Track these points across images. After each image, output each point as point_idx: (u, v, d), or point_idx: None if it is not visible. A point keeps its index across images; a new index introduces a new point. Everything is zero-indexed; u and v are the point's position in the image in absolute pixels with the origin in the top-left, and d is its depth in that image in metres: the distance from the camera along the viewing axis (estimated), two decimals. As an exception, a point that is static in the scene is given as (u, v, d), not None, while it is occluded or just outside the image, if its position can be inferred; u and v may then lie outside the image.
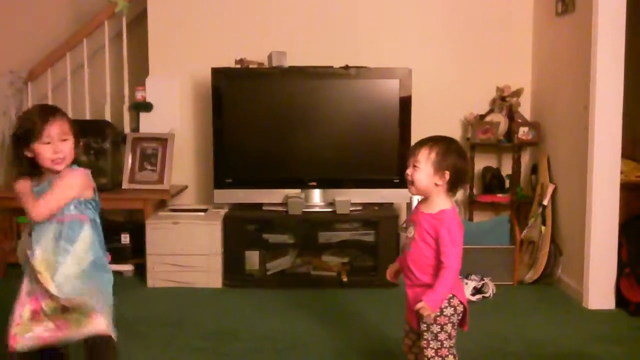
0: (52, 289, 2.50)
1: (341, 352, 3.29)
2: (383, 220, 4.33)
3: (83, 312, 2.50)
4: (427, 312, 2.43)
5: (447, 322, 2.50)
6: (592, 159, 3.87)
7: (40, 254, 2.57)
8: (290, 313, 3.85)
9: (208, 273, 4.33)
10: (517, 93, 4.71)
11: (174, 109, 4.87)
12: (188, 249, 4.28)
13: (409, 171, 2.51)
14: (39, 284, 2.55)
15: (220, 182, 4.46)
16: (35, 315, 2.56)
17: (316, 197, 4.50)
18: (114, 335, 2.56)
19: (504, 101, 4.72)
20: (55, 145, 2.52)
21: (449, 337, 2.51)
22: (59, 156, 2.53)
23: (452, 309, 2.49)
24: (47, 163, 2.54)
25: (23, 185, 2.62)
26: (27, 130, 2.53)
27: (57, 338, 2.52)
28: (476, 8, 4.81)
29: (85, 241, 2.58)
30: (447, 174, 2.47)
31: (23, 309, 2.59)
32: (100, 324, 2.51)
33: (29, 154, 2.55)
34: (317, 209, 4.46)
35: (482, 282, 4.09)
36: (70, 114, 4.85)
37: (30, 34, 5.27)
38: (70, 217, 2.59)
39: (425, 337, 2.50)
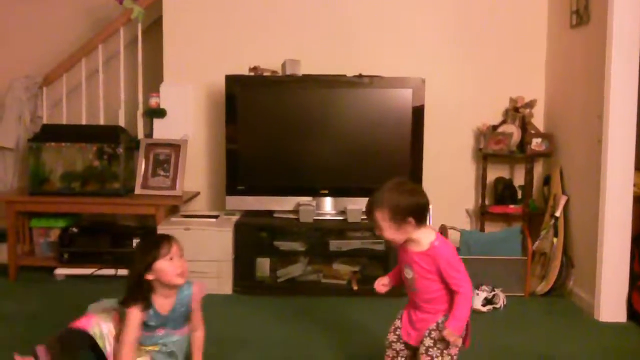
0: None
1: (352, 357, 3.28)
2: (394, 230, 4.32)
3: None
4: (454, 337, 2.46)
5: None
6: (605, 171, 3.86)
7: None
8: (300, 321, 3.85)
9: (219, 279, 4.34)
10: (531, 104, 4.70)
11: (187, 115, 4.89)
12: (199, 255, 4.29)
13: (377, 232, 2.56)
14: None
15: (232, 188, 4.47)
16: None
17: (327, 205, 4.50)
18: None
19: (517, 112, 4.71)
20: (178, 261, 2.80)
21: (453, 355, 2.54)
22: (182, 271, 2.81)
23: None
24: (173, 279, 2.78)
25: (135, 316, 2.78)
26: (151, 252, 2.77)
27: None
28: (490, 19, 4.81)
29: None
30: (411, 219, 2.49)
31: None
32: None
33: (149, 275, 2.77)
34: (328, 217, 4.46)
35: (493, 292, 4.08)
36: (84, 119, 4.94)
37: (46, 40, 5.31)
38: None
39: (430, 353, 2.51)
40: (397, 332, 2.65)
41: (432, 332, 2.53)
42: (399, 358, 2.65)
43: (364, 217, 4.38)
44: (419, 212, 2.51)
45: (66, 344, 2.83)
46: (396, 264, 2.73)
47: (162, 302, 2.83)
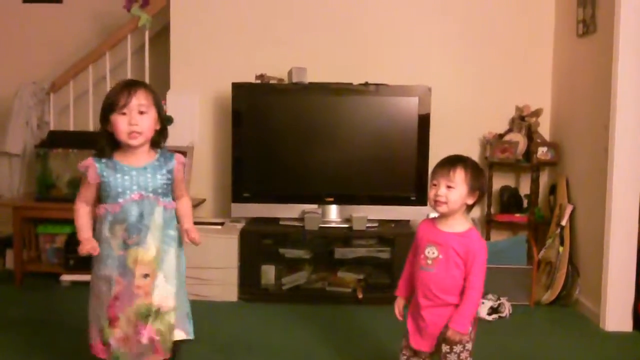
0: None
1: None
2: (399, 237, 4.32)
3: None
4: (459, 337, 2.45)
5: (469, 339, 2.51)
6: (612, 180, 3.85)
7: None
8: (304, 328, 3.85)
9: (224, 286, 4.34)
10: (537, 113, 4.70)
11: (193, 123, 4.91)
12: (204, 262, 4.29)
13: (441, 192, 2.48)
14: None
15: (237, 196, 4.48)
16: None
17: (333, 213, 4.50)
18: None
19: (523, 121, 4.71)
20: (131, 117, 2.49)
21: (470, 354, 2.52)
22: (135, 129, 2.50)
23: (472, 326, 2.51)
24: (123, 137, 2.50)
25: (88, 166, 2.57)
26: (107, 100, 2.52)
27: None
28: (497, 28, 4.81)
29: None
30: (477, 194, 2.50)
31: None
32: None
33: (109, 129, 2.53)
34: (333, 225, 4.46)
35: (499, 301, 4.07)
36: (91, 126, 4.95)
37: (54, 46, 5.34)
38: None
39: (448, 358, 2.50)
40: (406, 335, 2.62)
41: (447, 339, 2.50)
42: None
43: (369, 225, 4.38)
44: (483, 194, 2.56)
45: None
46: (401, 271, 2.70)
47: (132, 160, 2.58)
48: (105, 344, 2.58)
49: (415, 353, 2.59)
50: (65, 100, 5.10)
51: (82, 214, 2.65)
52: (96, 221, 2.64)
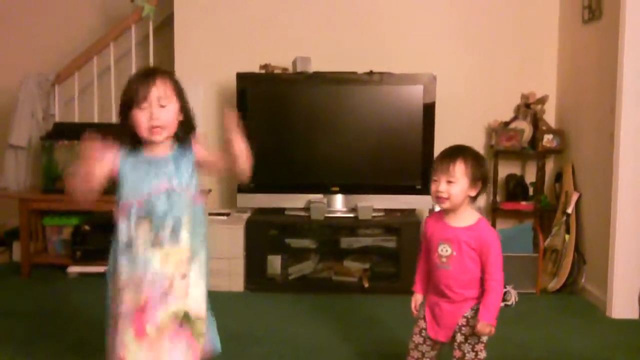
0: None
1: (362, 357, 3.29)
2: (405, 227, 4.32)
3: None
4: (489, 329, 2.44)
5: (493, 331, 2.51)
6: (617, 167, 3.84)
7: None
8: (311, 318, 3.86)
9: (230, 277, 4.35)
10: (542, 100, 4.68)
11: (198, 113, 4.88)
12: (210, 253, 4.25)
13: (442, 187, 2.46)
14: None
15: (243, 186, 4.48)
16: None
17: (338, 203, 4.50)
18: None
19: (529, 108, 4.70)
20: (152, 112, 2.26)
21: (484, 347, 2.52)
22: (156, 124, 2.27)
23: None
24: (145, 133, 2.27)
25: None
26: (125, 94, 2.29)
27: None
28: (502, 15, 4.79)
29: None
30: (480, 185, 2.48)
31: None
32: None
33: (130, 124, 2.28)
34: (339, 215, 4.46)
35: (505, 289, 4.07)
36: (96, 117, 4.96)
37: (58, 37, 5.34)
38: None
39: (462, 348, 2.49)
40: (422, 334, 2.59)
41: (463, 328, 2.49)
42: (416, 352, 2.61)
43: (375, 214, 4.38)
44: (486, 184, 2.52)
45: None
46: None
47: (154, 152, 2.34)
48: None
49: (425, 340, 2.59)
50: (70, 92, 5.10)
51: None
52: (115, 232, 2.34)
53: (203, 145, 2.48)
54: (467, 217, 2.51)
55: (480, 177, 2.48)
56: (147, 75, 2.30)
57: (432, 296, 2.58)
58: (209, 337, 2.42)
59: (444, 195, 2.46)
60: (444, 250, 2.50)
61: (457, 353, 2.50)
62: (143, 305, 2.23)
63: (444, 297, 2.53)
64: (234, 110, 2.53)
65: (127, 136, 2.30)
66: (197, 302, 2.33)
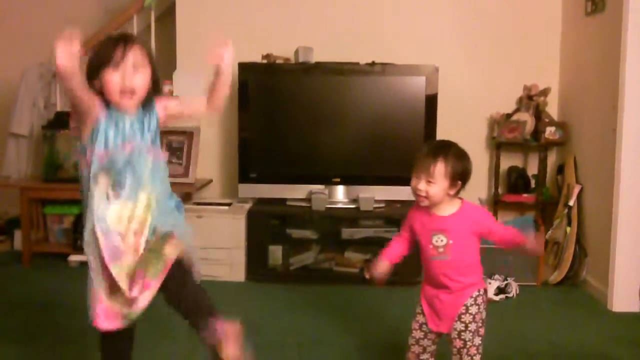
0: None
1: (362, 347, 3.29)
2: (406, 218, 4.31)
3: None
4: (534, 242, 2.50)
5: (483, 317, 2.51)
6: (620, 159, 3.84)
7: None
8: (312, 308, 3.86)
9: (231, 267, 4.35)
10: (545, 92, 4.67)
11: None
12: (212, 243, 4.30)
13: (421, 186, 2.45)
14: None
15: (244, 176, 4.48)
16: None
17: (340, 194, 4.50)
18: None
19: (531, 100, 4.68)
20: (125, 73, 2.20)
21: (481, 341, 2.52)
22: (129, 86, 2.20)
23: (485, 303, 2.52)
24: (114, 96, 2.20)
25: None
26: (98, 54, 2.23)
27: None
28: (505, 6, 4.78)
29: None
30: (460, 184, 2.47)
31: None
32: None
33: (97, 86, 2.22)
34: (340, 205, 4.46)
35: (506, 282, 4.07)
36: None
37: (60, 27, 5.31)
38: None
39: (463, 337, 2.48)
40: (423, 329, 2.57)
41: (463, 316, 2.48)
42: (426, 354, 2.59)
43: (376, 205, 4.38)
44: (467, 180, 2.51)
45: None
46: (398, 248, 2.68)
47: (122, 111, 2.26)
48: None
49: (427, 335, 2.57)
50: (71, 81, 5.08)
51: None
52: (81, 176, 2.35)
53: (167, 99, 2.47)
54: (451, 206, 2.50)
55: (461, 177, 2.46)
56: (123, 39, 2.26)
57: (430, 289, 2.56)
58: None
59: (423, 194, 2.46)
60: (439, 240, 2.48)
61: (458, 342, 2.48)
62: (103, 261, 2.25)
63: (442, 288, 2.51)
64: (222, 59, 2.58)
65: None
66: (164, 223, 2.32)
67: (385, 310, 3.81)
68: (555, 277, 4.34)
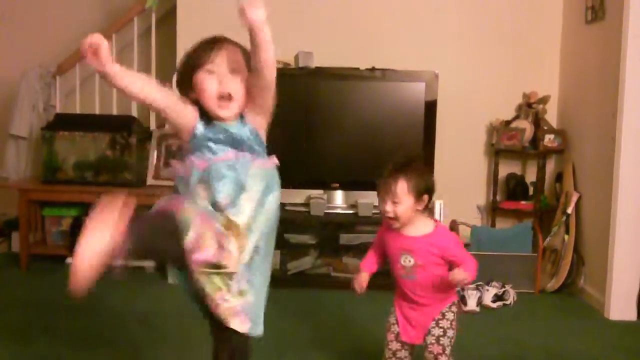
0: None
1: (360, 352, 3.29)
2: (405, 224, 4.32)
3: None
4: (464, 275, 2.38)
5: (455, 326, 2.52)
6: (618, 168, 3.84)
7: None
8: (309, 313, 3.86)
9: (229, 271, 4.34)
10: (544, 100, 4.68)
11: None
12: (210, 247, 4.28)
13: (388, 207, 2.44)
14: None
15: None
16: None
17: (338, 199, 4.50)
18: None
19: (531, 108, 4.69)
20: (221, 76, 2.03)
21: (451, 342, 2.53)
22: (225, 92, 2.03)
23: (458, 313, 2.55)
24: (210, 103, 2.03)
25: None
26: (190, 59, 2.08)
27: None
28: (505, 14, 4.78)
29: None
30: (426, 197, 2.45)
31: None
32: None
33: (192, 95, 2.07)
34: (339, 211, 4.46)
35: (503, 289, 4.07)
36: (97, 109, 4.95)
37: (60, 29, 5.32)
38: None
39: (441, 342, 2.48)
40: (399, 339, 2.58)
41: (440, 322, 2.49)
42: (395, 359, 2.60)
43: (375, 211, 4.38)
44: (432, 192, 2.48)
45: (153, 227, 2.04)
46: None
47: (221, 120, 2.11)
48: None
49: (403, 346, 2.57)
50: (71, 83, 5.09)
51: None
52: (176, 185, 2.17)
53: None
54: (423, 226, 2.49)
55: (425, 191, 2.44)
56: (217, 41, 2.11)
57: (402, 301, 2.58)
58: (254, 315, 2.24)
59: (391, 215, 2.44)
60: (407, 260, 2.49)
61: (436, 348, 2.48)
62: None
63: (414, 303, 2.53)
64: None
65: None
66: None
67: (383, 316, 3.79)
68: (553, 284, 4.34)
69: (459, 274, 2.37)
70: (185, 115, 2.08)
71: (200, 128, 2.06)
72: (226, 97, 2.03)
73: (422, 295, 2.50)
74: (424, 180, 2.45)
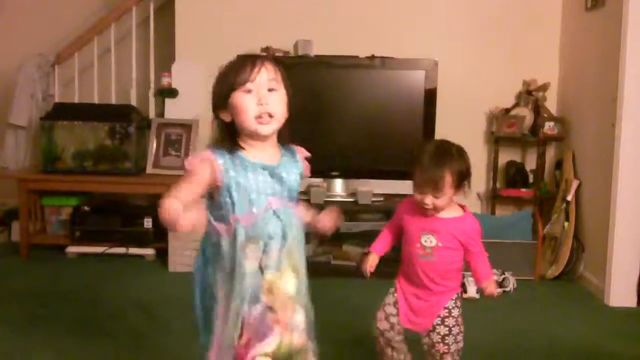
0: None
1: (360, 340, 3.29)
2: (405, 212, 4.32)
3: None
4: (494, 285, 2.44)
5: (462, 320, 2.51)
6: (618, 155, 3.84)
7: None
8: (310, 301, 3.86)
9: (229, 259, 4.34)
10: (544, 87, 4.67)
11: (199, 95, 4.87)
12: (210, 235, 4.29)
13: (428, 200, 2.38)
14: None
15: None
16: None
17: (338, 187, 4.50)
18: None
19: (530, 95, 4.68)
20: (260, 95, 1.90)
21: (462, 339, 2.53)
22: (266, 110, 1.92)
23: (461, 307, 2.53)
24: (249, 123, 1.89)
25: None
26: (225, 78, 1.93)
27: None
28: (505, 1, 4.77)
29: None
30: (465, 184, 2.44)
31: None
32: None
33: (226, 117, 1.93)
34: (338, 199, 4.46)
35: (503, 276, 4.07)
36: (96, 98, 4.94)
37: (59, 18, 5.31)
38: None
39: (447, 341, 2.47)
40: (390, 320, 2.55)
41: (446, 320, 2.47)
42: (390, 347, 2.58)
43: (375, 199, 4.38)
44: (470, 177, 2.46)
45: None
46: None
47: (262, 156, 1.98)
48: None
49: (393, 327, 2.54)
50: (70, 73, 5.08)
51: None
52: (215, 244, 1.96)
53: (308, 171, 2.21)
54: (453, 210, 2.47)
55: (466, 178, 2.43)
56: (254, 57, 1.98)
57: (409, 286, 2.54)
58: None
59: (430, 207, 2.40)
60: (428, 241, 2.44)
61: (442, 347, 2.47)
62: (244, 344, 1.94)
63: (423, 289, 2.49)
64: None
65: (224, 132, 1.93)
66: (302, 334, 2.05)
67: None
68: (553, 271, 4.35)
69: (492, 287, 2.43)
70: (205, 179, 1.90)
71: (230, 172, 1.89)
72: (266, 114, 1.94)
73: (435, 279, 2.46)
74: (465, 169, 2.42)
